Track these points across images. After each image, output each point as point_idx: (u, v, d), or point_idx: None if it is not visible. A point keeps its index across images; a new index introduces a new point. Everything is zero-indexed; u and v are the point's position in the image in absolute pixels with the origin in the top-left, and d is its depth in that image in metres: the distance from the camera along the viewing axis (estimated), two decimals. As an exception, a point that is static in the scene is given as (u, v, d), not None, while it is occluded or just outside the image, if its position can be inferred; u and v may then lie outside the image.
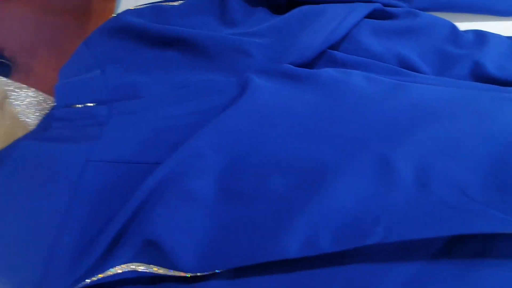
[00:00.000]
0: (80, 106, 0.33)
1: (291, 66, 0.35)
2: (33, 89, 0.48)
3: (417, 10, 0.40)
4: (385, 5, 0.40)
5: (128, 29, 0.36)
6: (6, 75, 0.53)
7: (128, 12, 0.38)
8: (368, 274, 0.29)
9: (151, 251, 0.26)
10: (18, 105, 0.47)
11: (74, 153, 0.30)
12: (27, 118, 0.47)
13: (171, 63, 0.37)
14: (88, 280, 0.27)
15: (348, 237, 0.27)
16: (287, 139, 0.30)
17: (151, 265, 0.27)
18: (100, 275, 0.26)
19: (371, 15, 0.40)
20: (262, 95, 0.32)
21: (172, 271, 0.26)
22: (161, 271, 0.26)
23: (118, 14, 0.39)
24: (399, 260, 0.29)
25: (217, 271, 0.27)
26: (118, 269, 0.26)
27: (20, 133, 0.47)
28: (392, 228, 0.27)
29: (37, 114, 0.47)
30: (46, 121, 0.34)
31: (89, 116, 0.33)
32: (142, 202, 0.27)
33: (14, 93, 0.47)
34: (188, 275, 0.26)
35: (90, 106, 0.33)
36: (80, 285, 0.27)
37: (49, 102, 0.49)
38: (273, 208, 0.28)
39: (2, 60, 0.53)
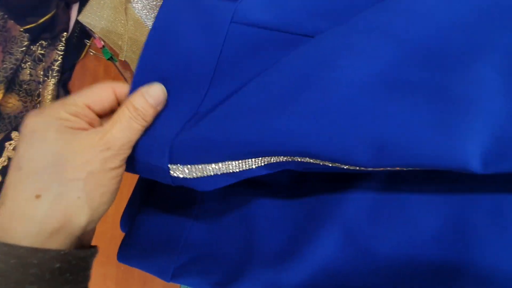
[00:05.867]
0: None
1: None
2: (149, -7, 0.49)
3: None
4: None
5: None
6: (123, -20, 0.54)
7: None
8: None
9: None
10: (140, 8, 0.48)
11: (220, 11, 0.29)
12: (148, 21, 0.48)
13: None
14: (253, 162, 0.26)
15: None
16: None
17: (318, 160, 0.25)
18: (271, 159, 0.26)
19: None
20: None
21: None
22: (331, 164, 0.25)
23: None
24: None
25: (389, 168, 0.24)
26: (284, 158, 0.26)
27: (143, 38, 0.49)
28: None
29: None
30: None
31: None
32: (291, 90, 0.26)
33: (134, -3, 0.48)
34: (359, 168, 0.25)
35: None
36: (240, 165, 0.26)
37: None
38: (443, 106, 0.23)
39: (118, -34, 0.54)
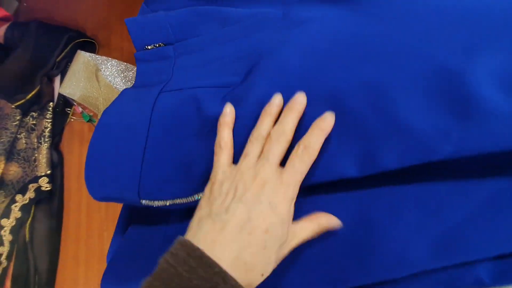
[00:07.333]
0: (151, 47, 0.40)
1: None
2: (116, 60, 0.57)
3: None
4: None
5: None
6: (93, 51, 0.63)
7: None
8: (443, 193, 0.28)
9: None
10: (108, 75, 0.56)
11: (151, 91, 0.37)
12: (116, 84, 0.56)
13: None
14: (167, 202, 0.34)
15: (413, 153, 0.26)
16: (337, 70, 0.32)
17: None
18: (181, 200, 0.33)
19: None
20: (309, 30, 0.34)
21: None
22: None
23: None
24: (480, 178, 0.28)
25: None
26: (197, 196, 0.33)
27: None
28: (464, 141, 0.25)
29: (123, 79, 0.56)
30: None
31: (160, 57, 0.39)
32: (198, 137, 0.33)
33: (103, 66, 0.56)
34: None
35: (160, 47, 0.40)
36: (158, 203, 0.34)
37: (130, 68, 0.58)
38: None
39: (88, 39, 0.63)
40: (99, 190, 0.36)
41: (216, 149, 0.30)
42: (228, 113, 0.31)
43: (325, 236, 0.30)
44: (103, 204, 0.61)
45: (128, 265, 0.37)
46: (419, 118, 0.27)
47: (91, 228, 0.61)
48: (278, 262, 0.27)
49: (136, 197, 0.34)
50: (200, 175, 0.34)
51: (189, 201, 0.33)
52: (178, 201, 0.34)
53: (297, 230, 0.28)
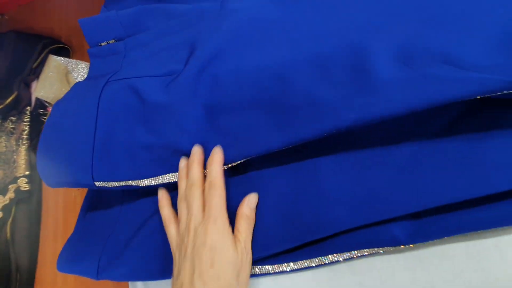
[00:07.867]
0: (104, 44, 0.43)
1: None
2: (85, 63, 0.60)
3: None
4: None
5: None
6: (68, 56, 0.66)
7: None
8: (363, 159, 0.31)
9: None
10: (77, 77, 0.59)
11: (99, 81, 0.39)
12: (86, 85, 0.59)
13: None
14: (116, 183, 0.36)
15: (322, 122, 0.28)
16: (256, 51, 0.34)
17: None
18: (134, 182, 0.36)
19: None
20: (238, 17, 0.37)
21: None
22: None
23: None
24: (394, 142, 0.30)
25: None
26: (146, 181, 0.36)
27: (83, 97, 0.61)
28: (365, 108, 0.27)
29: (93, 81, 0.60)
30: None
31: (112, 52, 0.42)
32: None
33: (74, 68, 0.59)
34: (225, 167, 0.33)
35: (111, 43, 0.43)
36: (110, 184, 0.36)
37: (100, 71, 0.61)
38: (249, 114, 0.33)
39: (63, 45, 0.66)
40: (52, 177, 0.38)
41: (165, 226, 0.34)
42: (162, 197, 0.36)
43: (258, 208, 0.33)
44: (79, 201, 0.64)
45: (83, 243, 0.39)
46: (324, 90, 0.30)
47: (68, 226, 0.63)
48: (248, 272, 0.30)
49: (90, 180, 0.36)
50: (147, 159, 0.36)
51: (142, 184, 0.35)
52: (131, 183, 0.36)
53: (239, 235, 0.31)
